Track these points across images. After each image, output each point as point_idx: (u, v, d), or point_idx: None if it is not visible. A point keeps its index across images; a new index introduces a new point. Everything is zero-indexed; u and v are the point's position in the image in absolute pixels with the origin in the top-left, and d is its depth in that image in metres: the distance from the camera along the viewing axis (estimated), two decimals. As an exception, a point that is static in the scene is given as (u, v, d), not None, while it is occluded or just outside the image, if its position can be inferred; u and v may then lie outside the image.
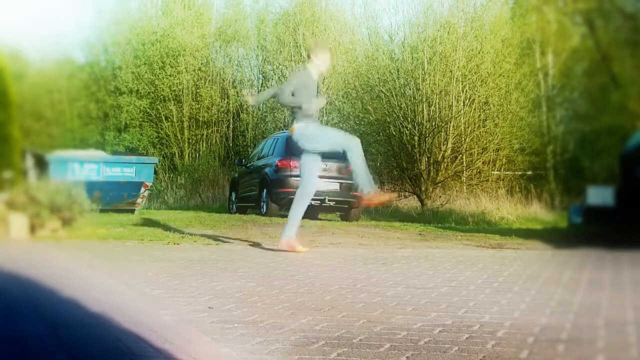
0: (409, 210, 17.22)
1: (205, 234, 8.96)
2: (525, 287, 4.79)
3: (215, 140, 25.75)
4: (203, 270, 5.44)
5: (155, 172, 17.09)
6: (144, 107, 24.67)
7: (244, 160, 16.86)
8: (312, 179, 7.19)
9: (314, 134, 7.12)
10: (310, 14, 24.33)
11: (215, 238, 8.44)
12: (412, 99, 18.46)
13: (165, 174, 23.42)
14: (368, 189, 6.94)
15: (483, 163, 18.52)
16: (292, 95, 7.10)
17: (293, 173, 14.01)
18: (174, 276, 5.08)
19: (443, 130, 18.37)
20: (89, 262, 5.91)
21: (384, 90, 18.74)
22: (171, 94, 24.90)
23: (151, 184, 14.06)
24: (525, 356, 2.87)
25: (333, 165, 13.79)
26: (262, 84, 26.27)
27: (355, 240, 8.64)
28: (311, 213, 14.86)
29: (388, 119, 18.67)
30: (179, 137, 25.20)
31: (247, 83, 26.36)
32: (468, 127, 18.47)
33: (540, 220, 12.40)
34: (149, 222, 10.48)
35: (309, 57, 7.32)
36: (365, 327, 3.39)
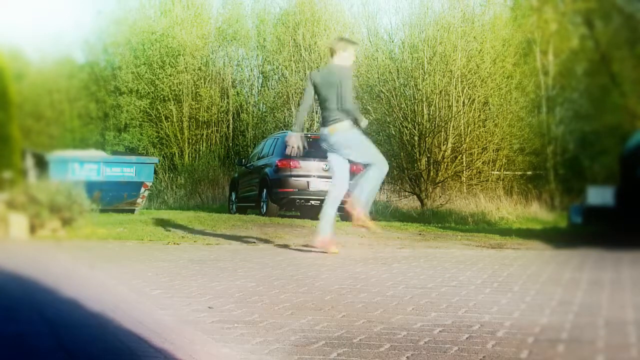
0: (409, 210, 17.22)
1: (205, 234, 8.96)
2: (525, 287, 4.79)
3: (215, 140, 25.73)
4: (203, 270, 5.44)
5: (155, 172, 17.07)
6: (144, 107, 24.65)
7: (244, 160, 16.85)
8: (344, 181, 7.17)
9: (354, 141, 7.03)
10: (310, 14, 24.32)
11: (215, 238, 8.44)
12: (412, 98, 18.46)
13: (165, 174, 23.40)
14: (359, 208, 6.94)
15: (483, 163, 18.51)
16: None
17: (293, 173, 14.02)
18: (174, 276, 5.08)
19: (443, 130, 18.37)
20: (89, 262, 5.91)
21: (383, 90, 18.74)
22: (171, 94, 24.89)
23: (151, 184, 14.06)
24: (525, 356, 2.87)
25: None
26: (262, 84, 26.26)
27: (355, 240, 8.64)
28: (311, 213, 14.90)
29: (388, 119, 18.67)
30: (179, 137, 25.19)
31: (247, 83, 26.36)
32: (468, 127, 18.47)
33: (540, 220, 12.39)
34: (148, 222, 10.48)
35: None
36: (365, 327, 3.39)
